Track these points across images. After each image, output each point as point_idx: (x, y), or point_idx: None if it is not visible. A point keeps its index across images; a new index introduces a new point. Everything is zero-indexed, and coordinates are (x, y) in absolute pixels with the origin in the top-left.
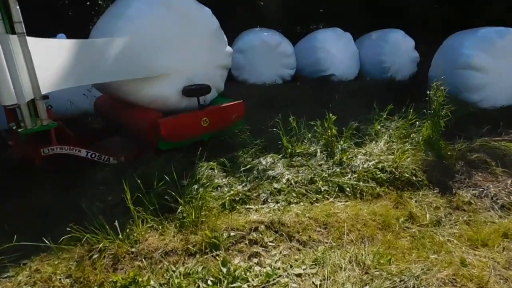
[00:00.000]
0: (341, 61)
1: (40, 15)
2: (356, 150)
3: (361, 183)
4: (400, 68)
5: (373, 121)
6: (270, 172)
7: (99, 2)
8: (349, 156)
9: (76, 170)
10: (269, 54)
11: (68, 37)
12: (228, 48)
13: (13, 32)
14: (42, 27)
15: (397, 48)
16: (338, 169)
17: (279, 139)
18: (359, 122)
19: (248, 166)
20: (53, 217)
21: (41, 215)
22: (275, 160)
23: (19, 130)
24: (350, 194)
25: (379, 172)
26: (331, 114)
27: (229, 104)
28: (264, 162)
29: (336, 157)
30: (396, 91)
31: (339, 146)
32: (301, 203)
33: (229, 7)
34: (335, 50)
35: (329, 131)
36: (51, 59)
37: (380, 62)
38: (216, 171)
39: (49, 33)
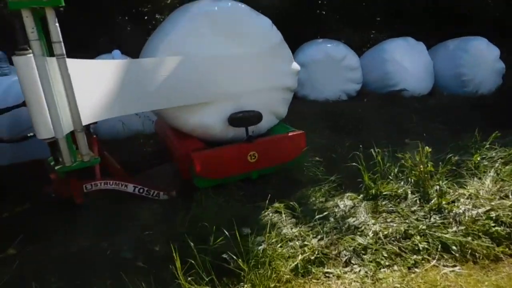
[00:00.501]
0: (413, 75)
1: (99, 33)
2: (456, 191)
3: (470, 240)
4: (482, 81)
5: (470, 150)
6: (351, 221)
7: (157, 16)
8: (450, 201)
9: (122, 204)
10: (333, 68)
11: (125, 53)
12: (294, 66)
13: (51, 54)
14: (99, 44)
15: (479, 59)
16: (437, 218)
17: (357, 174)
18: (450, 151)
19: (323, 211)
20: (92, 269)
21: (78, 265)
22: (356, 203)
23: (56, 167)
24: (458, 255)
25: (493, 224)
26: (408, 140)
27: (285, 135)
28: (342, 206)
29: (433, 201)
30: (482, 109)
31: (435, 185)
32: (395, 267)
33: (289, 17)
34: (406, 62)
35: (421, 166)
36: (93, 84)
37: (459, 75)
38: (283, 216)
39: (107, 51)
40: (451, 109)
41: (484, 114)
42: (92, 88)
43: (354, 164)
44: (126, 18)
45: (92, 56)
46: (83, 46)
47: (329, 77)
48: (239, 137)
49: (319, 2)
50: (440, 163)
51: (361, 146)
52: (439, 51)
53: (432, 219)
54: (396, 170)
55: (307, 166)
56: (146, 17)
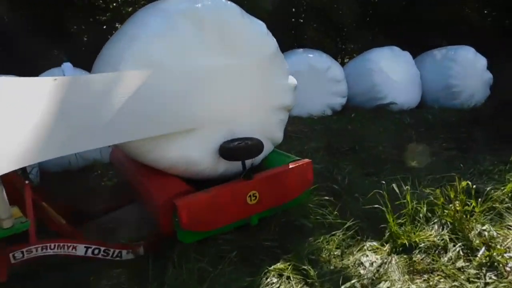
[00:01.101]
0: (401, 86)
1: (50, 45)
2: (508, 236)
3: None
4: (473, 93)
5: (493, 176)
6: (383, 286)
7: (116, 25)
8: (503, 251)
9: (70, 272)
10: (316, 80)
11: (81, 67)
12: (291, 80)
13: None
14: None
15: (468, 69)
16: (493, 277)
17: (372, 213)
18: (472, 178)
19: (344, 273)
20: None
21: None
22: (383, 258)
23: None
24: None
25: None
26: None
27: (290, 167)
28: (367, 263)
29: (481, 253)
30: (482, 123)
31: (475, 228)
32: None
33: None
34: (393, 73)
35: (457, 204)
36: (16, 112)
37: (448, 86)
38: (293, 284)
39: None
40: (450, 124)
41: (486, 129)
42: (13, 117)
43: (373, 205)
44: (83, 27)
45: (40, 71)
46: (31, 60)
47: (313, 90)
48: (232, 172)
49: (294, 10)
50: (472, 195)
51: (349, 165)
52: (425, 61)
53: (487, 278)
54: (425, 209)
55: (310, 203)
56: (104, 27)
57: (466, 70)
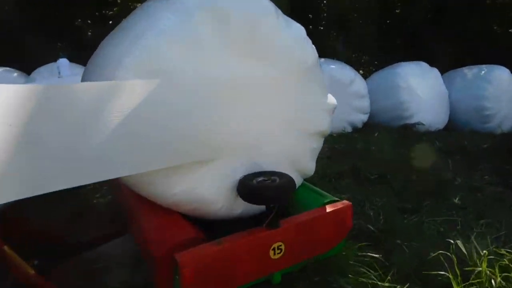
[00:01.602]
0: (428, 106)
1: (53, 37)
2: None
3: None
4: (506, 116)
5: None
6: None
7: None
8: None
9: None
10: (338, 94)
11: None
12: (330, 99)
13: None
14: (53, 51)
15: (502, 91)
16: None
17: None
18: None
19: None
20: None
21: None
22: None
23: None
24: None
25: None
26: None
27: (325, 211)
28: None
29: None
30: None
31: None
32: None
33: None
34: (421, 91)
35: None
36: None
37: (481, 108)
38: None
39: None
40: (488, 152)
41: None
42: None
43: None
44: (88, 21)
45: (41, 65)
46: (32, 53)
47: None
48: (253, 211)
49: (311, 16)
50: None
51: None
52: (454, 79)
53: None
54: (498, 278)
55: (345, 252)
56: (111, 22)
57: (500, 92)
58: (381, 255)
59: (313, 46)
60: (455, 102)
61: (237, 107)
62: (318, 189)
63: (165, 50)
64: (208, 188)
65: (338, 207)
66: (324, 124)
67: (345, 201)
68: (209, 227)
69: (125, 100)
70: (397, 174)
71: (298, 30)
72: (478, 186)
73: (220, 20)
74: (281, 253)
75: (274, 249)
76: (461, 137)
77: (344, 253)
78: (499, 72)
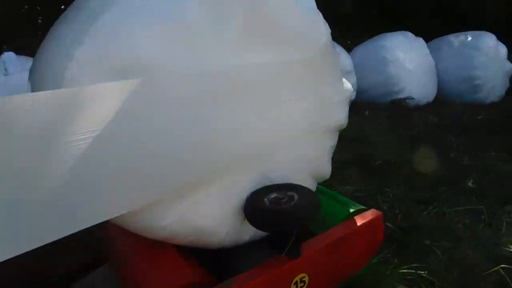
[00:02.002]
0: (417, 78)
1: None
2: None
3: None
4: (494, 85)
5: None
6: None
7: None
8: None
9: None
10: None
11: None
12: (346, 85)
13: None
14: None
15: (491, 59)
16: None
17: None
18: None
19: None
20: None
21: None
22: None
23: None
24: None
25: None
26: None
27: (358, 225)
28: None
29: None
30: None
31: None
32: None
33: None
34: (409, 63)
35: None
36: None
37: (471, 78)
38: None
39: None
40: (489, 125)
41: None
42: None
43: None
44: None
45: None
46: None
47: None
48: (262, 235)
49: None
50: None
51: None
52: (441, 48)
53: None
54: None
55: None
56: (62, 6)
57: (489, 60)
58: (415, 265)
59: (324, 20)
60: (442, 73)
61: (243, 108)
62: (336, 193)
63: (137, 35)
64: (207, 215)
65: (368, 218)
66: (343, 117)
67: (374, 210)
68: (213, 256)
69: (86, 116)
70: (401, 159)
71: (307, 0)
72: (489, 164)
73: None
74: (304, 286)
75: (296, 283)
76: (454, 110)
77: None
78: (487, 39)
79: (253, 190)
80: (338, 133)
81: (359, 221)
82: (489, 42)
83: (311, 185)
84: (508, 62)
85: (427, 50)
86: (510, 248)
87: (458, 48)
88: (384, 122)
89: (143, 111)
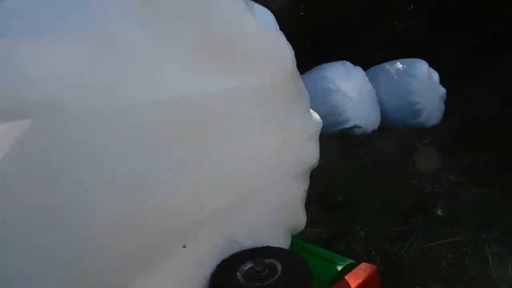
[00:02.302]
0: (361, 107)
1: None
2: None
3: None
4: (431, 110)
5: None
6: None
7: None
8: None
9: None
10: None
11: None
12: (314, 116)
13: None
14: None
15: (426, 84)
16: None
17: None
18: None
19: None
20: None
21: None
22: None
23: None
24: None
25: None
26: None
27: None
28: None
29: None
30: (466, 146)
31: None
32: None
33: None
34: (351, 92)
35: None
36: None
37: (410, 104)
38: None
39: None
40: (432, 148)
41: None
42: None
43: None
44: None
45: None
46: None
47: None
48: None
49: None
50: None
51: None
52: (378, 76)
53: None
54: None
55: None
56: None
57: (424, 85)
58: None
59: (286, 39)
60: (383, 100)
61: (194, 153)
62: (313, 246)
63: (31, 65)
64: None
65: (363, 276)
66: (315, 154)
67: (365, 264)
68: None
69: None
70: (363, 191)
71: (266, 15)
72: (452, 189)
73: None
74: None
75: None
76: (401, 136)
77: None
78: (419, 65)
79: (219, 260)
80: (309, 173)
81: (353, 280)
82: (422, 68)
83: (286, 239)
84: (441, 87)
85: (367, 79)
86: (504, 283)
87: (395, 76)
88: (337, 153)
89: (49, 170)
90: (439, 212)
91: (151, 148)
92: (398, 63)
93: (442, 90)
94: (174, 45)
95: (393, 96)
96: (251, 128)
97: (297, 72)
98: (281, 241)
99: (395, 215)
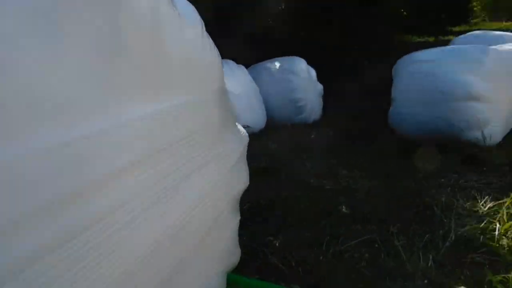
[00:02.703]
0: (247, 106)
1: None
2: None
3: None
4: (313, 106)
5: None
6: None
7: None
8: None
9: None
10: None
11: None
12: (240, 127)
13: None
14: None
15: (306, 81)
16: None
17: None
18: None
19: None
20: None
21: None
22: None
23: None
24: None
25: None
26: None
27: None
28: None
29: None
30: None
31: None
32: None
33: None
34: (237, 92)
35: None
36: None
37: (293, 101)
38: None
39: None
40: (325, 144)
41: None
42: None
43: None
44: None
45: None
46: None
47: None
48: None
49: None
50: None
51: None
52: (260, 75)
53: None
54: None
55: None
56: None
57: (305, 82)
58: None
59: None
60: (268, 98)
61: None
62: (246, 278)
63: None
64: None
65: None
66: (246, 179)
67: None
68: None
69: None
70: (268, 197)
71: (192, 16)
72: (348, 184)
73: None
74: None
75: None
76: (289, 133)
77: None
78: (299, 63)
79: None
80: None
81: None
82: (301, 65)
83: (223, 279)
84: (318, 83)
85: (250, 77)
86: (419, 275)
87: (276, 74)
88: None
89: None
90: (344, 210)
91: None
92: (279, 62)
93: (320, 87)
94: (68, 46)
95: (277, 94)
96: (183, 159)
97: (225, 89)
98: (219, 282)
99: (303, 217)
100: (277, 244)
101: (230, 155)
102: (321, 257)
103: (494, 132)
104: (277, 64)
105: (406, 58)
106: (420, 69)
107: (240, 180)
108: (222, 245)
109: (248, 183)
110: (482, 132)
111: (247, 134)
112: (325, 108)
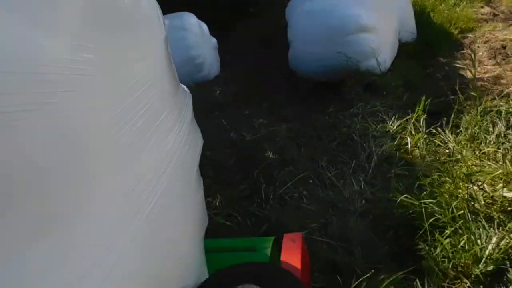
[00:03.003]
0: None
1: None
2: None
3: None
4: (211, 62)
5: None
6: None
7: None
8: None
9: None
10: None
11: None
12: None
13: None
14: None
15: (200, 37)
16: None
17: None
18: None
19: None
20: None
21: None
22: None
23: None
24: None
25: None
26: None
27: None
28: None
29: None
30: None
31: None
32: None
33: None
34: None
35: None
36: None
37: (191, 58)
38: None
39: None
40: (232, 99)
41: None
42: None
43: None
44: None
45: None
46: None
47: None
48: None
49: None
50: None
51: None
52: None
53: None
54: None
55: None
56: None
57: (198, 38)
58: None
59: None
60: None
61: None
62: (220, 240)
63: None
64: None
65: (297, 246)
66: (201, 136)
67: (288, 235)
68: None
69: None
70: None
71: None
72: (268, 133)
73: None
74: None
75: None
76: (197, 92)
77: None
78: (188, 18)
79: None
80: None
81: (292, 257)
82: (191, 20)
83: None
84: (212, 37)
85: None
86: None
87: (169, 31)
88: None
89: None
90: (271, 156)
91: None
92: (167, 19)
93: (214, 41)
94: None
95: (173, 53)
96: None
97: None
98: (199, 246)
99: (235, 173)
100: (217, 204)
101: (187, 108)
102: (263, 205)
103: (385, 59)
104: (167, 22)
105: None
106: (311, 8)
107: (198, 136)
108: (201, 207)
109: (203, 141)
110: (377, 60)
111: (188, 89)
112: (222, 62)
